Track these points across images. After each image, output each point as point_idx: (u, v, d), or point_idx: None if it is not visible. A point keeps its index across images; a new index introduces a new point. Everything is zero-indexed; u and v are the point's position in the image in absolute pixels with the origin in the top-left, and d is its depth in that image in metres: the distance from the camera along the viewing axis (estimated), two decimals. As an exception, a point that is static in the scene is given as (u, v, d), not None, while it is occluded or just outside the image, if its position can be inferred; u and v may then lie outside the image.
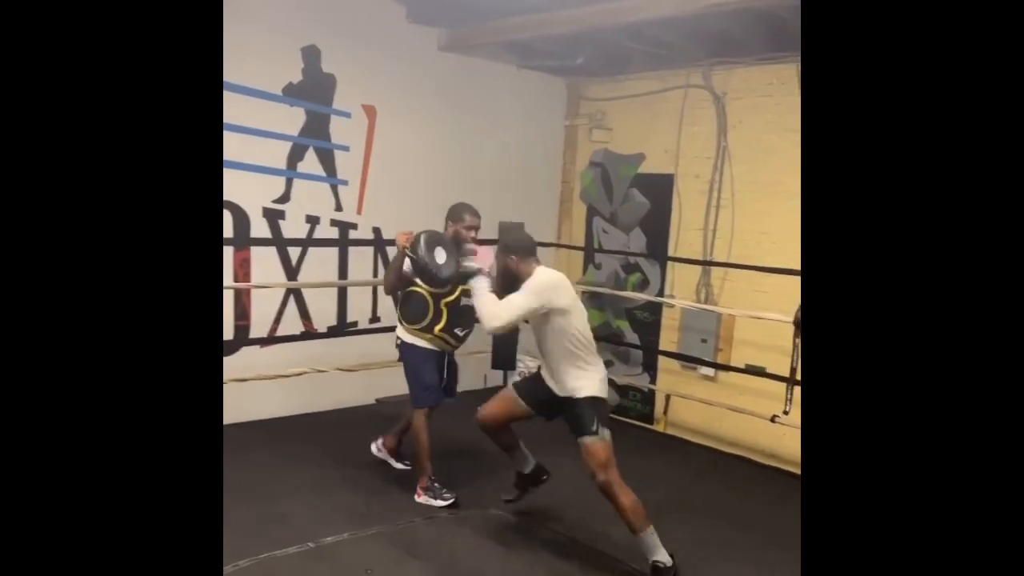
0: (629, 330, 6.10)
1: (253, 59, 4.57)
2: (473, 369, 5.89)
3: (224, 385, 4.54)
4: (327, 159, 5.10)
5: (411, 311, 3.67)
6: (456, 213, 3.70)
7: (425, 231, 3.42)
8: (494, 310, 3.05)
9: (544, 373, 3.26)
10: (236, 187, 4.61)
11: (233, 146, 4.55)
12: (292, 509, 3.49)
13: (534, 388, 3.29)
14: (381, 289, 5.50)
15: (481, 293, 3.12)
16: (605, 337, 6.27)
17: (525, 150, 6.22)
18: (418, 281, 3.59)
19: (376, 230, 5.39)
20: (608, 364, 6.22)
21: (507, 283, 3.14)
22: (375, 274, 5.41)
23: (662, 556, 2.96)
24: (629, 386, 5.99)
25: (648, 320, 5.93)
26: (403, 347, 3.75)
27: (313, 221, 5.06)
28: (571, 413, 3.09)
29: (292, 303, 5.05)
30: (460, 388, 5.74)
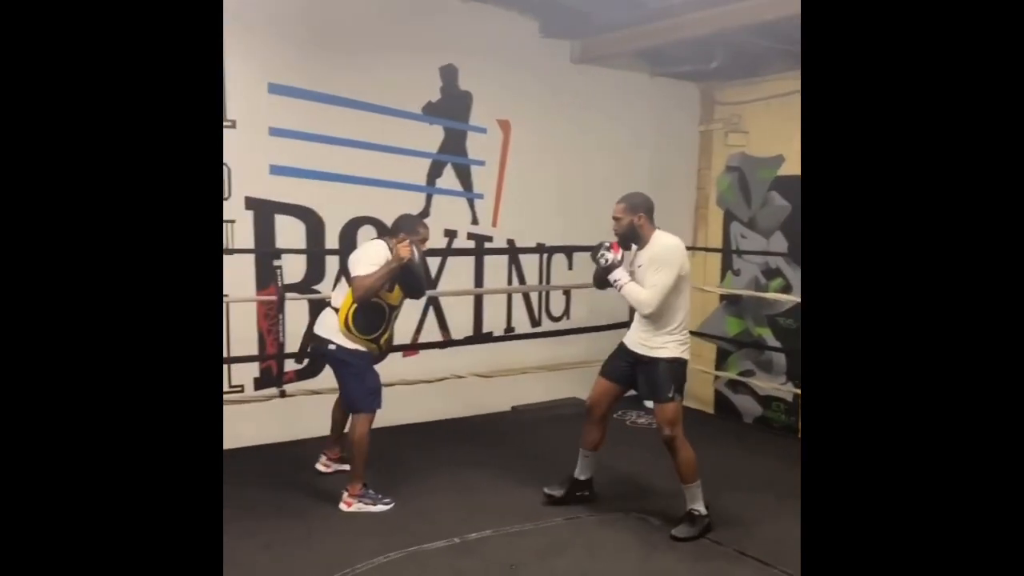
0: (771, 338, 5.92)
1: (395, 81, 4.83)
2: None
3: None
4: (464, 174, 5.28)
5: (368, 322, 3.53)
6: (410, 225, 3.67)
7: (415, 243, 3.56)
8: (642, 298, 3.31)
9: (627, 337, 3.54)
10: (380, 203, 4.87)
11: (377, 164, 4.82)
12: (436, 507, 3.63)
13: (614, 364, 3.59)
14: (515, 298, 5.65)
15: (626, 283, 3.36)
16: (746, 344, 6.11)
17: (659, 157, 6.18)
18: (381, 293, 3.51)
19: (510, 242, 5.53)
20: (749, 373, 6.09)
21: (627, 240, 3.42)
22: (509, 283, 5.54)
23: (700, 507, 3.42)
24: (772, 396, 5.79)
25: (791, 327, 5.72)
26: (342, 352, 3.54)
27: (451, 235, 5.25)
28: (649, 375, 3.39)
29: (432, 314, 5.26)
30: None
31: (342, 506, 3.57)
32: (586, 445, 3.68)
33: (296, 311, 4.58)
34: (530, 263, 5.68)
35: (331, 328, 3.56)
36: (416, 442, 4.57)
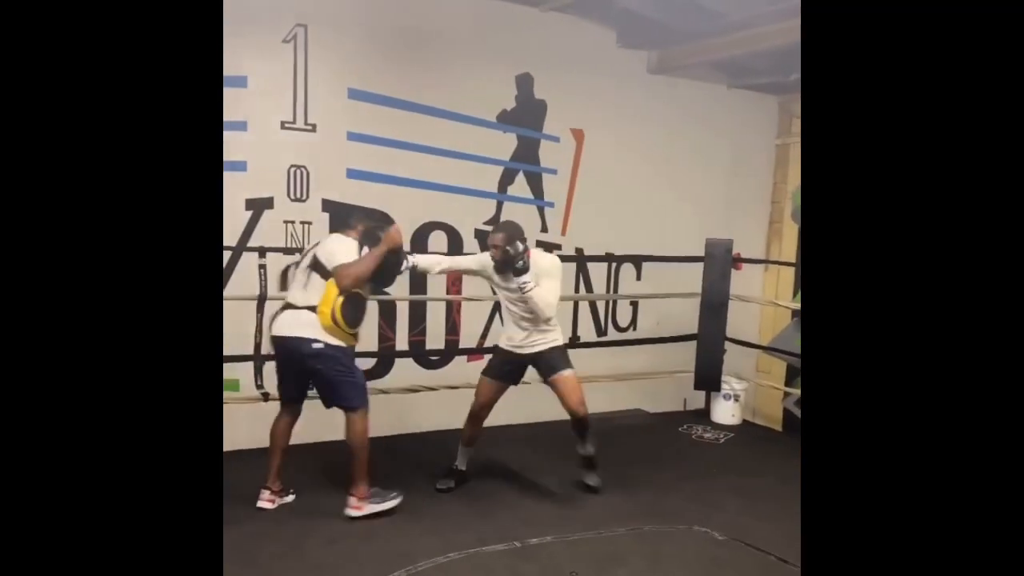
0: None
1: (471, 89, 4.91)
2: (672, 391, 5.83)
3: (437, 391, 4.85)
4: (535, 182, 5.32)
5: (356, 314, 3.35)
6: (368, 219, 3.56)
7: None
8: (551, 301, 3.60)
9: (511, 341, 3.78)
10: (451, 209, 4.95)
11: (450, 171, 4.90)
12: (498, 510, 3.65)
13: (500, 365, 3.85)
14: (581, 306, 5.64)
15: (535, 289, 3.54)
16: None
17: (734, 170, 6.11)
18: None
19: (579, 250, 5.53)
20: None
21: (505, 266, 3.59)
22: (576, 291, 5.54)
23: (589, 451, 3.92)
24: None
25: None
26: (330, 349, 3.30)
27: (520, 241, 5.28)
28: (548, 360, 3.72)
29: (498, 319, 5.29)
30: (657, 410, 5.74)
31: (351, 512, 3.40)
32: (467, 442, 3.95)
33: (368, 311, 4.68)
34: (598, 272, 5.67)
35: (310, 326, 3.28)
36: (479, 445, 4.60)
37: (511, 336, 3.80)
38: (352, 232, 3.43)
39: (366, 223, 3.48)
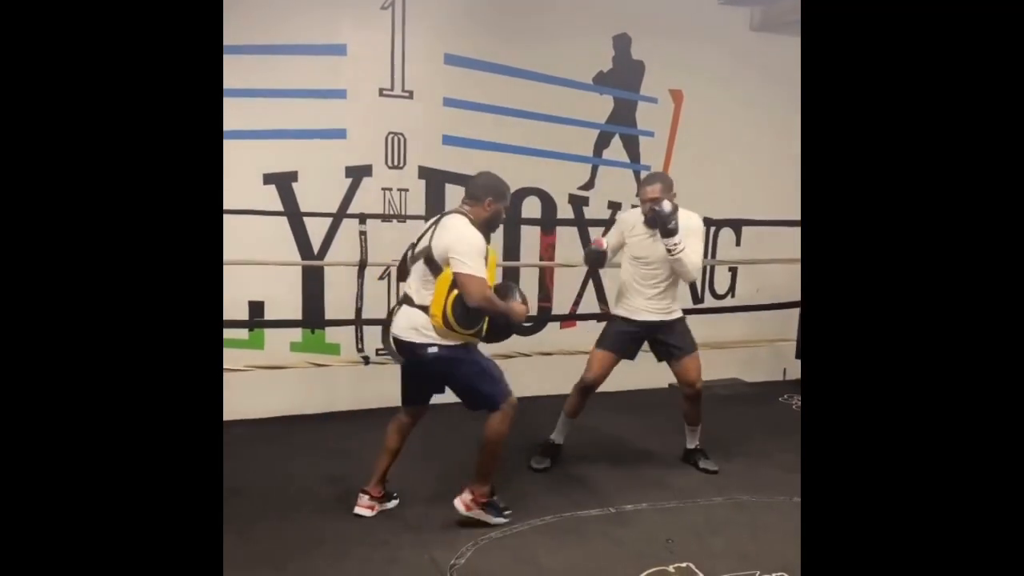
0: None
1: (567, 50, 4.83)
2: (771, 360, 5.68)
3: (531, 358, 4.88)
4: (631, 145, 5.21)
5: (471, 316, 2.88)
6: (500, 190, 3.06)
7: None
8: (697, 263, 3.51)
9: (630, 309, 3.66)
10: (544, 174, 4.91)
11: (545, 135, 4.85)
12: (593, 476, 3.66)
13: (616, 336, 3.72)
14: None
15: (683, 248, 3.42)
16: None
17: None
18: None
19: (677, 215, 5.41)
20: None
21: (656, 221, 3.46)
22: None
23: (692, 445, 3.89)
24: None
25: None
26: (448, 351, 2.93)
27: (615, 207, 5.20)
28: (673, 335, 3.65)
29: (591, 287, 5.26)
30: (755, 379, 5.60)
31: (460, 506, 3.09)
32: (571, 413, 3.84)
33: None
34: (695, 238, 5.54)
35: (422, 328, 2.92)
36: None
37: (632, 304, 3.67)
38: (478, 208, 2.99)
39: (497, 198, 3.02)
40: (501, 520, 3.12)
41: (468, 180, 3.19)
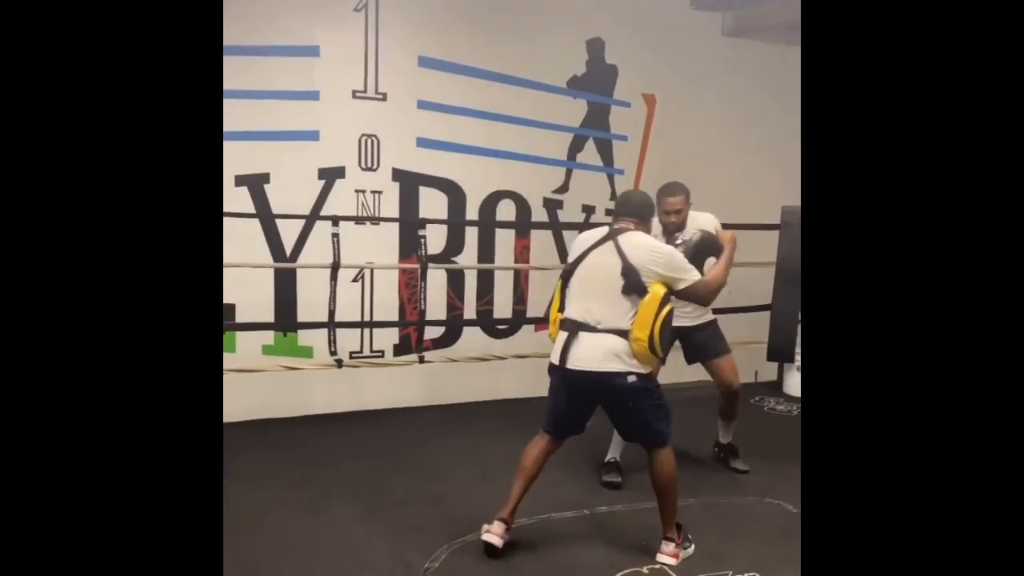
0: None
1: (541, 55, 4.86)
2: (743, 362, 5.70)
3: (506, 360, 4.88)
4: (605, 149, 5.24)
5: (670, 336, 2.78)
6: (653, 209, 3.10)
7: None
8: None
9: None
10: (519, 177, 4.93)
11: (518, 138, 4.87)
12: (567, 478, 3.66)
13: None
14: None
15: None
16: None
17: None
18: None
19: (650, 219, 5.44)
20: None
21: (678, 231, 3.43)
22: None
23: (726, 439, 3.96)
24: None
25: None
26: (643, 381, 2.77)
27: (588, 210, 5.22)
28: (708, 337, 3.70)
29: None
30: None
31: (667, 559, 2.87)
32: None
33: (436, 280, 4.74)
34: (669, 241, 5.58)
35: (624, 354, 2.72)
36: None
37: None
38: (645, 226, 2.93)
39: (649, 215, 3.00)
40: (691, 550, 2.96)
41: (619, 199, 3.11)
